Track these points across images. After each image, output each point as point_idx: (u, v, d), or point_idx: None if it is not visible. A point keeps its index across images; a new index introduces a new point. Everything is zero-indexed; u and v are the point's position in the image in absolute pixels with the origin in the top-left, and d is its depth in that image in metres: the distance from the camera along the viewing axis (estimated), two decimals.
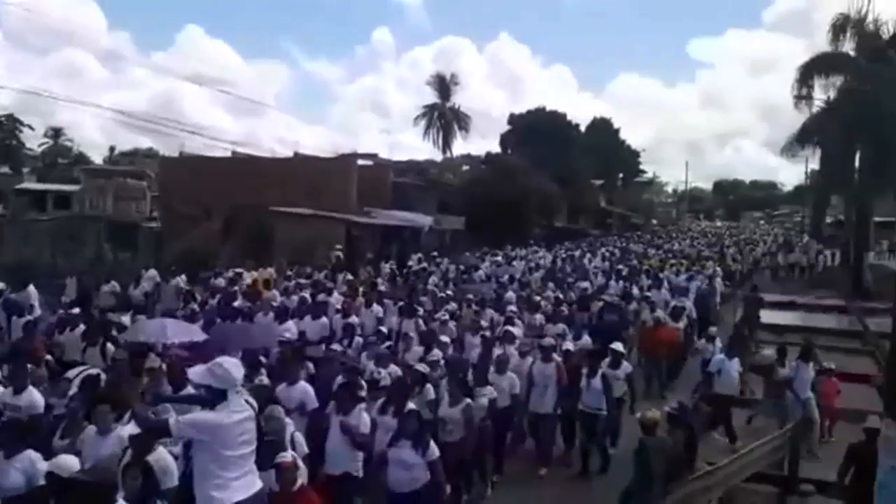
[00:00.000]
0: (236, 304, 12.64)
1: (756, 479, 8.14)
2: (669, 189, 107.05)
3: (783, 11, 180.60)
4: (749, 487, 8.18)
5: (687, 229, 67.50)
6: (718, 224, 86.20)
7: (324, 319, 11.28)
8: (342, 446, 6.18)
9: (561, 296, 15.19)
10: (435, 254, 25.48)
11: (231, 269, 17.32)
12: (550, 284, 17.40)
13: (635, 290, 16.71)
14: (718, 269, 23.81)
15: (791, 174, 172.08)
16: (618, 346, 9.68)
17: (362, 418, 6.32)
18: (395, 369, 8.24)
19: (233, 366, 4.50)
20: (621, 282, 18.52)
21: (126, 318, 11.15)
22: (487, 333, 10.52)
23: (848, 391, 10.48)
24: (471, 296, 13.86)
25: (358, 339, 10.25)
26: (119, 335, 9.85)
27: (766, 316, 17.02)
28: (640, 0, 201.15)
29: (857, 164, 27.41)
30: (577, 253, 30.16)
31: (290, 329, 10.47)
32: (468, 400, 7.20)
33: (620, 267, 22.47)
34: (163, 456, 4.99)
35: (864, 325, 16.96)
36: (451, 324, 11.43)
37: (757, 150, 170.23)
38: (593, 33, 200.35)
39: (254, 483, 4.48)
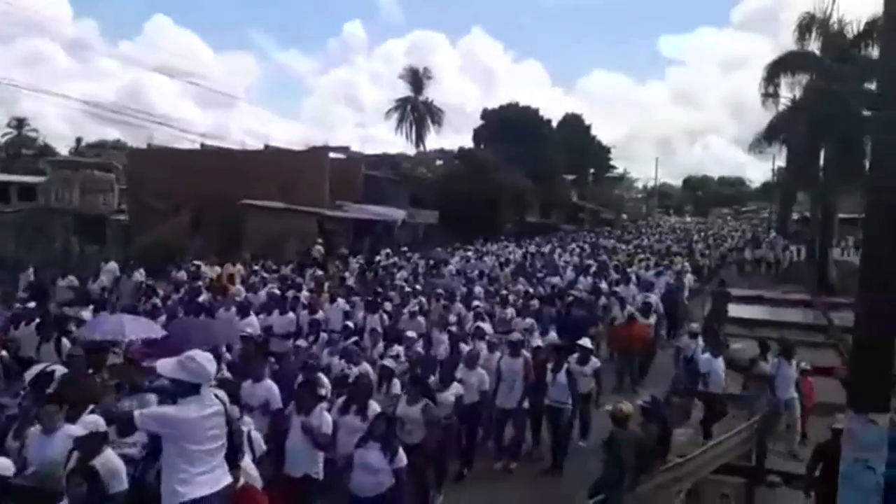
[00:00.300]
0: (201, 299, 12.38)
1: (724, 470, 8.24)
2: (640, 185, 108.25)
3: (751, 10, 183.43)
4: (718, 479, 8.27)
5: (656, 225, 68.35)
6: (687, 220, 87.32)
7: (290, 315, 11.10)
8: (302, 447, 5.99)
9: (531, 291, 15.23)
10: (405, 248, 25.38)
11: (193, 263, 17.05)
12: (521, 279, 17.39)
13: (604, 286, 16.80)
14: (687, 264, 24.12)
15: (759, 171, 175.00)
16: (586, 342, 9.65)
17: (323, 418, 6.12)
18: (366, 367, 8.07)
19: (206, 360, 4.41)
20: (590, 277, 18.59)
21: (86, 313, 10.80)
22: (455, 329, 10.42)
23: (814, 384, 10.63)
24: (440, 291, 13.77)
25: (323, 336, 10.07)
26: (76, 331, 9.49)
27: (734, 310, 17.30)
28: None
29: (822, 161, 27.90)
30: (548, 248, 30.29)
31: (252, 324, 10.25)
32: (427, 400, 7.00)
33: (590, 262, 22.60)
34: (110, 458, 4.78)
35: (828, 320, 17.29)
36: (420, 318, 11.37)
37: (726, 147, 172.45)
38: (565, 29, 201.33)
39: (221, 478, 4.39)
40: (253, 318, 10.59)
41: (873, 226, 5.26)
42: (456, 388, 7.75)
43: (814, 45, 26.94)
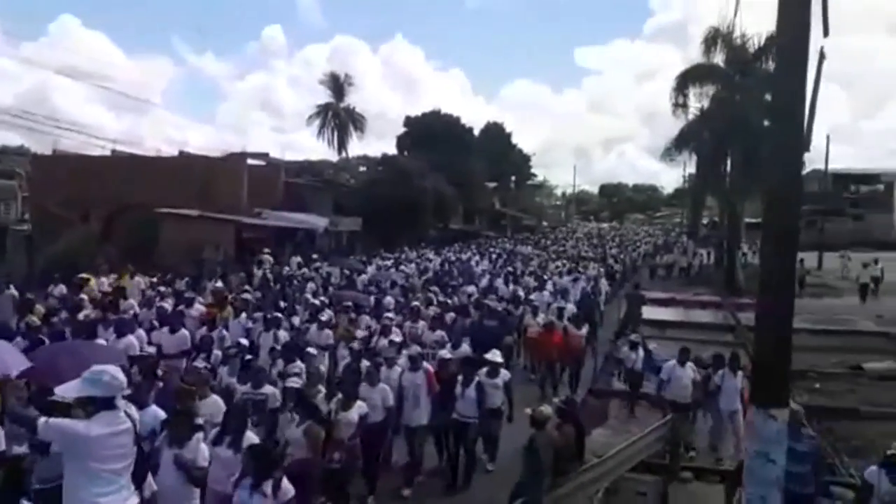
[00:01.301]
0: (81, 315, 11.22)
1: (640, 468, 8.52)
2: (559, 192, 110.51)
3: (663, 23, 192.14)
4: (634, 477, 8.55)
5: (572, 231, 70.20)
6: (603, 226, 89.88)
7: (183, 331, 10.22)
8: (176, 484, 5.32)
9: (448, 301, 14.83)
10: (315, 257, 24.77)
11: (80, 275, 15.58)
12: (434, 288, 16.77)
13: (521, 293, 16.73)
14: (601, 269, 24.71)
15: (671, 178, 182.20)
16: (495, 355, 9.20)
17: (200, 450, 5.46)
18: (272, 390, 7.52)
19: (115, 371, 4.35)
20: (511, 285, 18.48)
21: None
22: (355, 345, 9.96)
23: None
24: (348, 303, 13.10)
25: (217, 353, 9.31)
26: None
27: (648, 312, 17.98)
28: (530, 8, 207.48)
29: (728, 168, 29.28)
30: (466, 256, 30.38)
31: (133, 344, 9.34)
32: (310, 420, 6.62)
33: (511, 269, 22.71)
34: None
35: (736, 320, 18.20)
36: (328, 331, 10.88)
37: (639, 155, 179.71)
38: (486, 38, 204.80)
39: (128, 499, 4.29)
40: (132, 338, 9.56)
41: (770, 230, 5.55)
42: (359, 406, 7.33)
43: (719, 58, 28.27)
